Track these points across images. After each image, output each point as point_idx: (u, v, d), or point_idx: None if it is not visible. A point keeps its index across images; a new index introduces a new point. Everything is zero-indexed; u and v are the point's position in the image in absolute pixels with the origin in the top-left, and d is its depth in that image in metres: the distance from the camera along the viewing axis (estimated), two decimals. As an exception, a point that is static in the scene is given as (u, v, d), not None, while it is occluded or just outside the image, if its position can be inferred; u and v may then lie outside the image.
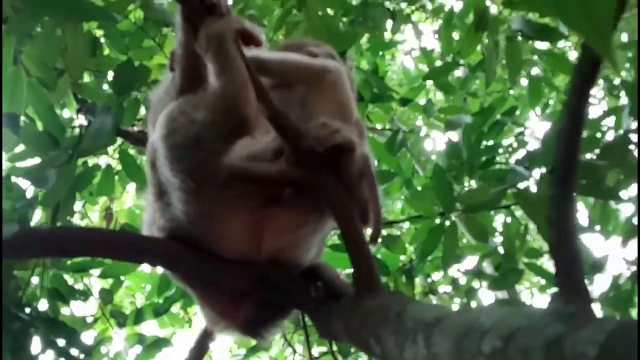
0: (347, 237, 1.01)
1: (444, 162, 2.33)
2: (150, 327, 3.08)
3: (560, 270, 0.62)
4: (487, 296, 2.81)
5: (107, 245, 1.06)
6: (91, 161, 2.57)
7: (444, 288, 3.17)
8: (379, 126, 3.35)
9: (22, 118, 1.92)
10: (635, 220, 2.38)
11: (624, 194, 2.09)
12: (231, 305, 1.13)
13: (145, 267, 2.73)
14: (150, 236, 1.12)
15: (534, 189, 2.00)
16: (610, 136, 2.29)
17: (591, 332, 0.52)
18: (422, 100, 3.40)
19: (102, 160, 2.57)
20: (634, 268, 2.49)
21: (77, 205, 2.72)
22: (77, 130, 2.47)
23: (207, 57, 1.00)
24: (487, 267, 2.57)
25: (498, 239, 2.58)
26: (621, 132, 2.21)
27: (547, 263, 3.52)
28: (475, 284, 2.75)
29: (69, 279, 2.55)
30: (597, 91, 4.09)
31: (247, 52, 1.02)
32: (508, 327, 0.61)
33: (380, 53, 3.06)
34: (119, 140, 2.55)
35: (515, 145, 2.59)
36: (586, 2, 0.46)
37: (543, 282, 3.25)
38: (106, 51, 2.44)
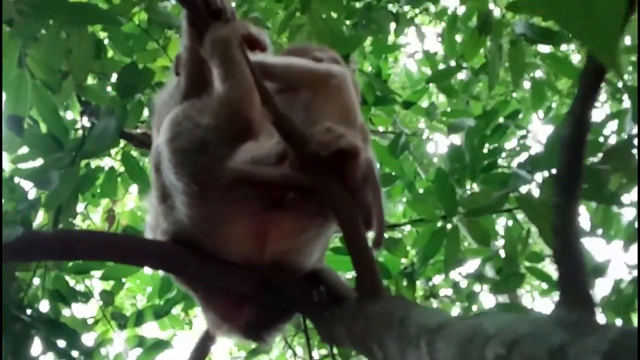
0: (350, 242, 1.02)
1: (446, 166, 2.34)
2: (150, 329, 3.09)
3: (564, 278, 0.62)
4: (488, 300, 2.82)
5: (110, 248, 1.06)
6: (94, 163, 2.57)
7: (445, 291, 3.16)
8: (381, 129, 3.35)
9: (26, 120, 1.93)
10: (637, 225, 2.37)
11: (625, 198, 2.09)
12: (233, 309, 1.13)
13: (146, 269, 2.73)
14: (154, 239, 1.13)
15: (536, 192, 2.00)
16: (612, 140, 2.29)
17: (595, 340, 0.52)
18: (424, 103, 3.40)
19: (105, 162, 2.57)
20: (636, 272, 2.48)
21: (79, 207, 2.72)
22: (80, 132, 2.48)
23: (212, 62, 1.00)
24: (489, 271, 2.57)
25: (500, 242, 2.58)
26: (624, 136, 2.21)
27: (549, 267, 3.52)
28: (476, 287, 2.75)
29: (70, 280, 2.56)
30: (599, 94, 4.08)
31: (252, 56, 1.02)
32: (512, 334, 0.61)
33: (384, 56, 3.07)
34: (122, 142, 2.55)
35: (517, 148, 2.59)
36: (591, 12, 0.46)
37: (544, 285, 3.25)
38: (110, 53, 2.44)
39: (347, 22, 2.81)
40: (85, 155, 2.07)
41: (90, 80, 2.24)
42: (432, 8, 3.38)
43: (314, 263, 1.13)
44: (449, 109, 3.23)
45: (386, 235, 2.58)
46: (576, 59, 3.51)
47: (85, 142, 2.09)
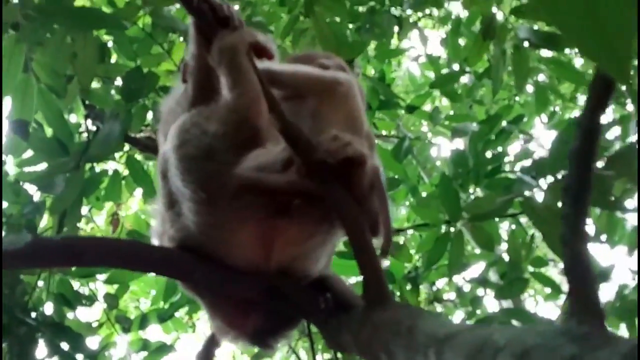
0: (357, 250, 1.02)
1: (450, 170, 2.34)
2: (154, 332, 3.09)
3: (574, 290, 0.62)
4: (492, 304, 2.82)
5: (118, 255, 1.06)
6: (98, 167, 2.58)
7: (449, 295, 3.16)
8: (384, 132, 3.35)
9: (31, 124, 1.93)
10: (641, 230, 2.37)
11: (630, 203, 2.08)
12: (240, 316, 1.13)
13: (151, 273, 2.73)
14: (161, 246, 1.13)
15: (539, 195, 2.00)
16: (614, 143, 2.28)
17: (607, 353, 0.52)
18: (427, 107, 3.40)
19: (109, 166, 2.58)
20: (640, 278, 2.48)
21: (83, 210, 2.73)
22: (84, 136, 2.49)
23: (220, 70, 1.01)
24: (492, 276, 2.57)
25: (503, 245, 2.58)
26: (628, 141, 2.21)
27: (553, 272, 3.51)
28: (480, 291, 2.75)
29: (74, 283, 2.56)
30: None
31: (259, 64, 1.02)
32: (522, 345, 0.61)
33: (387, 60, 3.07)
34: (126, 146, 2.56)
35: (521, 153, 2.58)
36: (601, 25, 0.45)
37: (547, 290, 3.25)
38: (114, 57, 2.45)
39: (351, 26, 2.82)
40: (90, 159, 2.08)
41: (95, 84, 2.25)
42: (435, 12, 3.38)
43: (321, 270, 1.13)
44: (451, 112, 3.23)
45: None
46: (579, 62, 3.51)
47: (90, 146, 2.10)
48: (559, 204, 2.00)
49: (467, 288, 2.87)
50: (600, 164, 1.96)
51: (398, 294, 2.44)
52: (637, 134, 2.11)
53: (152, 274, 2.83)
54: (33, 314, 2.32)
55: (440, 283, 3.13)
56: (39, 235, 2.28)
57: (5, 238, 1.00)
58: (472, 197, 2.35)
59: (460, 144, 2.78)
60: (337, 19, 2.60)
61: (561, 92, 3.24)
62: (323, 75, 1.11)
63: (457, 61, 2.81)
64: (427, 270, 2.38)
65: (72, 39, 1.91)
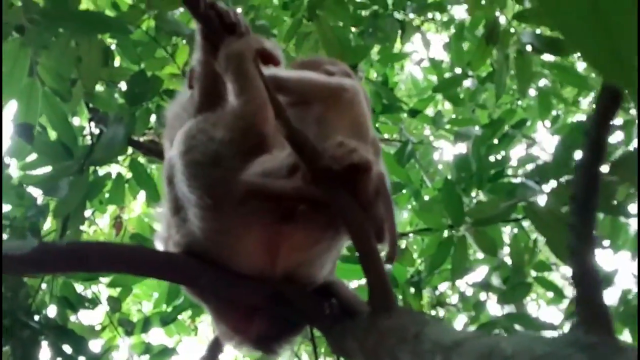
0: (362, 256, 1.02)
1: (453, 175, 2.34)
2: (155, 335, 3.09)
3: (582, 299, 0.62)
4: (494, 309, 2.81)
5: (124, 260, 1.06)
6: (101, 170, 2.58)
7: (451, 299, 3.16)
8: (386, 136, 3.35)
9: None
10: (644, 235, 2.37)
11: (633, 208, 2.08)
12: (245, 321, 1.13)
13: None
14: (166, 251, 1.13)
15: (542, 198, 2.00)
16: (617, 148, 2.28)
17: (616, 364, 0.52)
18: (429, 110, 3.41)
19: (113, 169, 2.58)
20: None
21: (86, 212, 2.73)
22: (88, 139, 2.49)
23: (226, 76, 1.01)
24: (495, 280, 2.57)
25: (506, 249, 2.58)
26: (631, 146, 2.21)
27: (555, 276, 3.51)
28: (482, 295, 2.75)
29: (77, 286, 2.57)
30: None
31: (265, 70, 1.03)
32: (530, 354, 0.61)
33: (389, 64, 3.07)
34: (130, 149, 2.56)
35: (525, 158, 2.58)
36: (607, 35, 0.45)
37: (550, 294, 3.24)
38: (117, 60, 2.46)
39: (353, 30, 2.82)
40: (93, 163, 2.09)
41: (99, 88, 2.25)
42: (437, 15, 3.39)
43: (326, 276, 1.13)
44: (453, 116, 3.23)
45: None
46: (582, 66, 3.51)
47: (93, 149, 2.10)
48: (562, 209, 2.01)
49: (469, 292, 2.86)
50: (603, 169, 1.96)
51: (401, 298, 2.44)
52: (637, 136, 2.11)
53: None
54: (36, 317, 2.32)
55: (443, 287, 3.13)
56: (43, 238, 2.29)
57: (12, 243, 1.01)
58: (475, 201, 2.35)
59: (462, 147, 2.78)
60: (340, 23, 2.61)
61: (564, 96, 3.24)
62: (329, 81, 1.11)
63: (461, 65, 2.81)
64: (430, 274, 2.38)
65: (77, 43, 1.92)
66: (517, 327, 2.38)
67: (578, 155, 2.09)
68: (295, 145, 1.00)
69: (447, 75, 3.11)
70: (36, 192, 2.25)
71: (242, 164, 1.01)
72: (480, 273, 2.61)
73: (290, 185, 1.04)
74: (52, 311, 2.46)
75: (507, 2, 2.47)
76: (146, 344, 2.74)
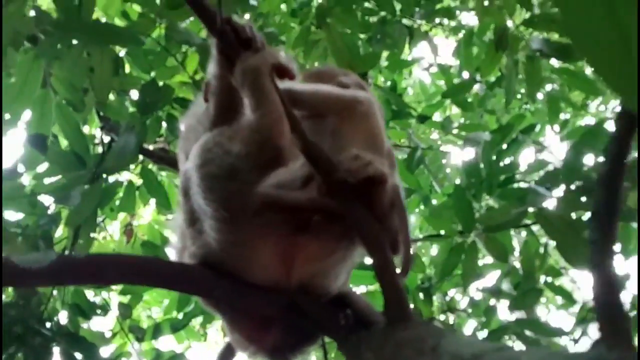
0: (377, 268, 1.02)
1: (463, 181, 2.34)
2: (165, 341, 3.10)
3: (603, 315, 0.63)
4: (504, 313, 2.80)
5: (140, 272, 1.07)
6: (112, 177, 2.60)
7: (461, 303, 3.15)
8: (395, 142, 3.35)
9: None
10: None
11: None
12: (260, 331, 1.14)
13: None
14: (182, 263, 1.14)
15: (551, 203, 1.99)
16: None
17: (639, 382, 0.52)
18: (437, 115, 3.40)
19: (124, 177, 2.60)
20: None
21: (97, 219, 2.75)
22: (98, 148, 2.51)
23: (243, 91, 1.02)
24: (505, 285, 2.56)
25: (516, 254, 2.57)
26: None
27: (565, 280, 3.49)
28: (491, 301, 2.74)
29: (88, 292, 2.58)
30: (615, 106, 4.08)
31: (280, 84, 1.04)
32: (550, 371, 0.61)
33: (398, 70, 3.08)
34: (140, 157, 2.58)
35: (535, 164, 2.58)
36: (620, 38, 0.44)
37: (559, 299, 3.23)
38: (127, 68, 2.47)
39: (362, 37, 2.83)
40: (105, 172, 2.10)
41: (110, 97, 2.27)
42: (445, 21, 3.39)
43: (340, 286, 1.14)
44: (461, 120, 3.23)
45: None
46: (589, 71, 3.51)
47: (105, 158, 2.12)
48: (572, 214, 2.01)
49: (478, 297, 2.86)
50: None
51: (411, 304, 2.44)
52: (637, 137, 2.10)
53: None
54: (48, 324, 2.34)
55: (452, 292, 3.13)
56: (53, 246, 2.30)
57: (28, 256, 1.02)
58: (484, 206, 2.35)
59: (470, 152, 2.78)
60: (349, 31, 2.62)
61: (572, 100, 3.23)
62: (343, 94, 1.12)
63: (470, 70, 2.81)
64: (441, 281, 2.38)
65: (88, 54, 1.94)
66: (528, 332, 2.38)
67: (588, 160, 2.10)
68: (311, 159, 1.01)
69: (455, 80, 3.11)
70: (47, 201, 2.27)
71: (258, 177, 1.02)
72: (490, 279, 2.61)
73: (305, 196, 1.05)
74: (63, 318, 2.48)
75: (515, 8, 2.47)
76: (156, 350, 2.75)
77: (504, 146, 2.52)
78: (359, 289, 2.45)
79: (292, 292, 1.08)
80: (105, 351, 2.55)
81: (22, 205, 2.16)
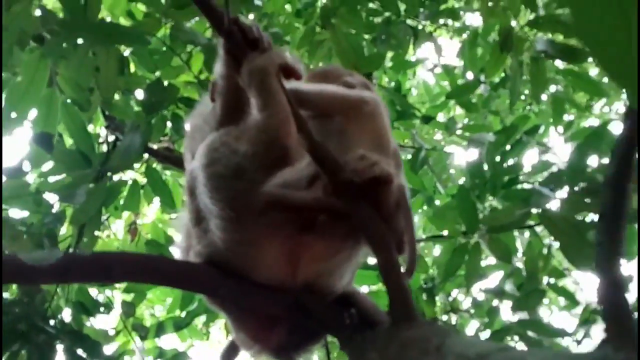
0: (383, 268, 1.03)
1: (467, 181, 2.34)
2: (167, 339, 3.11)
3: (609, 317, 0.63)
4: (507, 314, 2.80)
5: (146, 271, 1.08)
6: (117, 176, 2.61)
7: (464, 304, 3.15)
8: (399, 142, 3.35)
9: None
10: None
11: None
12: (265, 330, 1.14)
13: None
14: (187, 261, 1.15)
15: (555, 204, 1.99)
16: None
17: (646, 383, 0.53)
18: (441, 116, 3.40)
19: (128, 176, 2.61)
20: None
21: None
22: (104, 147, 2.52)
23: (250, 91, 1.02)
24: (508, 286, 2.56)
25: (519, 255, 2.57)
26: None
27: (568, 281, 3.49)
28: (494, 302, 2.74)
29: (92, 290, 2.59)
30: (619, 107, 4.08)
31: (287, 84, 1.04)
32: (556, 371, 0.62)
33: (402, 71, 3.08)
34: (145, 155, 2.58)
35: (539, 165, 2.58)
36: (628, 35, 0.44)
37: (562, 300, 3.23)
38: (132, 68, 2.48)
39: (366, 37, 2.83)
40: (110, 170, 2.11)
41: (115, 96, 2.27)
42: (450, 22, 3.39)
43: (345, 286, 1.14)
44: (466, 121, 3.23)
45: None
46: (594, 72, 3.50)
47: (110, 157, 2.13)
48: (576, 216, 2.01)
49: (481, 297, 2.86)
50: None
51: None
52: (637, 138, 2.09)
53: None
54: (52, 322, 2.35)
55: (455, 292, 3.13)
56: (57, 244, 2.31)
57: (35, 254, 1.02)
58: (487, 207, 2.35)
59: (474, 153, 2.78)
60: (353, 31, 2.62)
61: (576, 102, 3.23)
62: (349, 94, 1.12)
63: (474, 71, 2.81)
64: (444, 281, 2.38)
65: (94, 53, 1.94)
66: (531, 333, 2.38)
67: (592, 161, 2.09)
68: (317, 158, 1.01)
69: (460, 81, 3.11)
70: (52, 199, 2.27)
71: (264, 177, 1.03)
72: (493, 279, 2.61)
73: (310, 196, 1.05)
74: (67, 315, 2.48)
75: (520, 9, 2.47)
76: (159, 348, 2.76)
77: (508, 147, 2.51)
78: (362, 289, 2.45)
79: (298, 292, 1.08)
80: (108, 349, 2.56)
81: (27, 204, 2.17)
